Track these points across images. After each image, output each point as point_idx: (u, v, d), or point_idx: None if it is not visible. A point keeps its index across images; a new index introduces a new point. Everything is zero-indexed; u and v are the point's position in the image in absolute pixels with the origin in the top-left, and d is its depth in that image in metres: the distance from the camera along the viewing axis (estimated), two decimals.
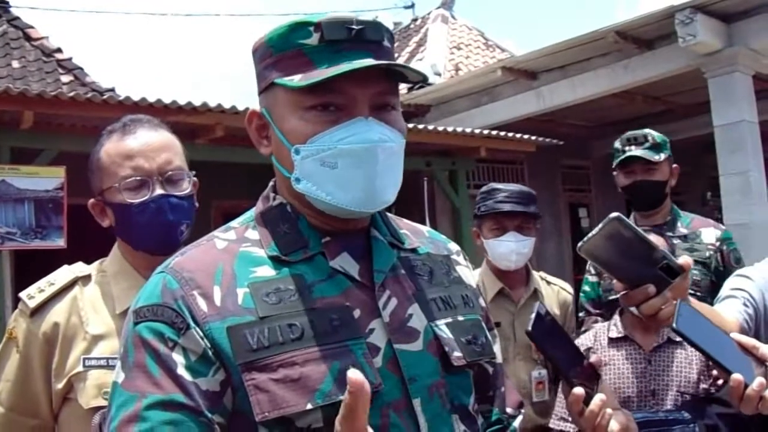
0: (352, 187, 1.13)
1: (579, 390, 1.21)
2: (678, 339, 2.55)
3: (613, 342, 2.60)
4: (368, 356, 1.11)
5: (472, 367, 1.23)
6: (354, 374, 0.89)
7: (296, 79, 1.12)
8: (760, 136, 7.76)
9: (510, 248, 2.86)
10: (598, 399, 1.21)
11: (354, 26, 1.13)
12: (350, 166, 1.12)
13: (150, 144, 1.73)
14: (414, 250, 1.30)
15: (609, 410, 1.22)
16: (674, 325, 1.30)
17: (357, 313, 1.13)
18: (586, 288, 3.27)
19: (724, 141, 7.55)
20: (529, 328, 1.23)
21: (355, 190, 1.13)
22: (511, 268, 2.89)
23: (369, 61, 1.11)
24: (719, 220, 4.35)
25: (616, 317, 2.70)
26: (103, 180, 1.75)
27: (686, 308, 1.35)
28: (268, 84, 1.18)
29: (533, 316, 1.25)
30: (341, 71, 1.08)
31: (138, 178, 1.70)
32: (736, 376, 1.31)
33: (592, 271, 3.24)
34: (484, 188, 2.99)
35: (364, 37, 1.14)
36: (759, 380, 1.32)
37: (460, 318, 1.25)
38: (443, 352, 1.18)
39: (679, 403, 2.45)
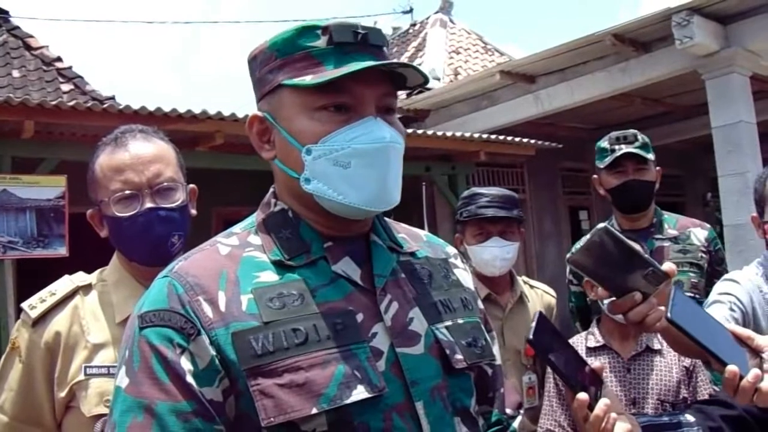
0: (365, 186, 1.15)
1: (583, 395, 1.21)
2: (657, 347, 2.55)
3: (591, 351, 2.59)
4: (372, 360, 1.11)
5: (472, 369, 1.24)
6: None
7: (307, 79, 1.14)
8: (758, 136, 7.76)
9: (494, 254, 2.80)
10: (602, 404, 1.22)
11: (360, 31, 1.16)
12: (363, 165, 1.14)
13: (140, 156, 1.74)
14: (413, 254, 1.30)
15: (614, 415, 1.22)
16: (668, 314, 1.29)
17: (360, 317, 1.14)
18: (572, 297, 3.26)
19: (723, 142, 7.54)
20: (531, 337, 1.24)
21: (368, 190, 1.15)
22: (495, 275, 2.84)
23: (380, 62, 1.14)
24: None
25: (594, 326, 2.70)
26: (97, 193, 1.77)
27: (681, 297, 1.34)
28: (273, 87, 1.19)
29: (533, 324, 1.26)
30: (357, 68, 1.10)
31: (128, 191, 1.71)
32: (731, 368, 1.30)
33: (575, 281, 3.21)
34: (465, 193, 2.96)
35: (369, 41, 1.17)
36: (754, 372, 1.31)
37: (460, 321, 1.26)
38: (444, 355, 1.19)
39: (659, 411, 2.44)
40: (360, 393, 1.08)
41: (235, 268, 1.16)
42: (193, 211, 1.84)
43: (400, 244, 1.30)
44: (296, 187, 1.19)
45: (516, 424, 1.38)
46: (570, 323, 3.39)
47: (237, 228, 1.26)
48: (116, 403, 1.08)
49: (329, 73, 1.12)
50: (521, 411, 1.45)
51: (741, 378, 1.31)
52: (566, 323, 3.48)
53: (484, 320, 1.36)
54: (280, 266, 1.16)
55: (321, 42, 1.15)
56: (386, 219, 1.34)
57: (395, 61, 1.16)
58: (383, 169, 1.15)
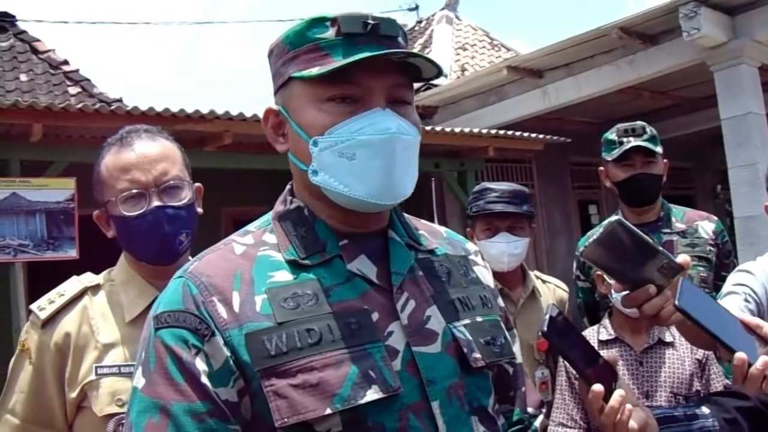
0: (370, 178, 1.13)
1: (598, 387, 1.21)
2: (669, 339, 2.54)
3: (603, 344, 2.58)
4: (387, 359, 1.10)
5: (491, 368, 1.23)
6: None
7: (314, 71, 1.13)
8: None
9: (501, 249, 2.80)
10: (617, 395, 1.21)
11: (369, 21, 1.15)
12: (368, 157, 1.13)
13: (146, 155, 1.74)
14: (431, 251, 1.29)
15: (629, 406, 1.22)
16: (676, 302, 1.28)
17: (375, 316, 1.13)
18: (580, 293, 3.24)
19: (732, 133, 7.51)
20: (544, 329, 1.23)
21: (374, 182, 1.13)
22: (504, 270, 2.82)
23: (383, 51, 1.12)
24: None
25: (606, 319, 2.69)
26: (104, 193, 1.77)
27: (688, 285, 1.34)
28: (285, 80, 1.19)
29: (547, 317, 1.25)
30: (359, 58, 1.09)
31: (135, 191, 1.72)
32: (740, 355, 1.30)
33: (582, 277, 3.18)
34: (476, 188, 2.95)
35: (380, 32, 1.15)
36: (763, 359, 1.31)
37: (479, 319, 1.25)
38: (462, 354, 1.18)
39: (672, 403, 2.42)
40: (374, 393, 1.07)
41: (250, 267, 1.15)
42: (200, 210, 1.84)
43: (419, 241, 1.29)
44: (308, 180, 1.18)
45: (537, 422, 1.37)
46: (579, 319, 3.38)
47: (252, 226, 1.26)
48: (133, 404, 1.08)
49: (335, 63, 1.12)
50: (543, 410, 1.43)
51: (749, 365, 1.31)
52: (577, 318, 3.47)
53: (504, 318, 1.34)
54: (294, 265, 1.16)
55: (330, 33, 1.15)
56: (406, 215, 1.32)
57: (399, 50, 1.14)
58: (389, 161, 1.13)
